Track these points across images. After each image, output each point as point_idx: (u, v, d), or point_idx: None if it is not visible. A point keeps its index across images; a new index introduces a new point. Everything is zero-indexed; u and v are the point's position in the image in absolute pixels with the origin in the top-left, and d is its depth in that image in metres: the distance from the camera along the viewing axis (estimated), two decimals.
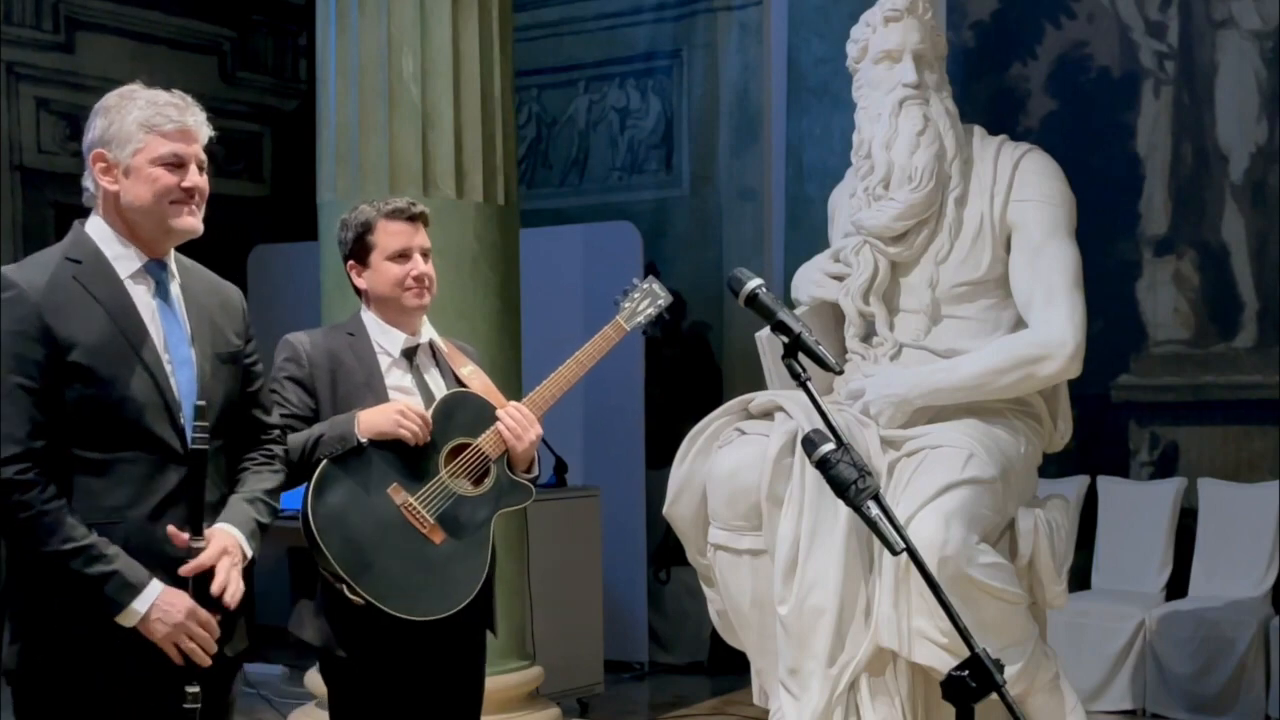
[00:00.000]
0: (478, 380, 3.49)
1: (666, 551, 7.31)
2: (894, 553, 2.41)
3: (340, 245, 3.47)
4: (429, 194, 5.28)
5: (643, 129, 8.58)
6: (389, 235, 3.39)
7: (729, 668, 6.51)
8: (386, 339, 3.43)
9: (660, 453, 6.44)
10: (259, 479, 2.94)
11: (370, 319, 3.46)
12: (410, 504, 3.26)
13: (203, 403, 2.70)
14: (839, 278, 4.61)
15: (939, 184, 4.48)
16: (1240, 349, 6.91)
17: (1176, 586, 6.62)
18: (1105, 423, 7.04)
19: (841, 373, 2.92)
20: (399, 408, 3.28)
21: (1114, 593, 6.60)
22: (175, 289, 2.80)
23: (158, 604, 2.64)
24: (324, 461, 3.23)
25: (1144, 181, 7.08)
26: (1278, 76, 6.77)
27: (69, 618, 2.65)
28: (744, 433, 4.37)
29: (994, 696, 2.36)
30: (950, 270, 4.50)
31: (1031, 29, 7.34)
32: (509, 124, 5.53)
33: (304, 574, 3.46)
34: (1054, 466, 6.05)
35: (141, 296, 2.74)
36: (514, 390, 4.57)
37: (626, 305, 3.66)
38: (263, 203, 9.20)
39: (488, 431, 3.37)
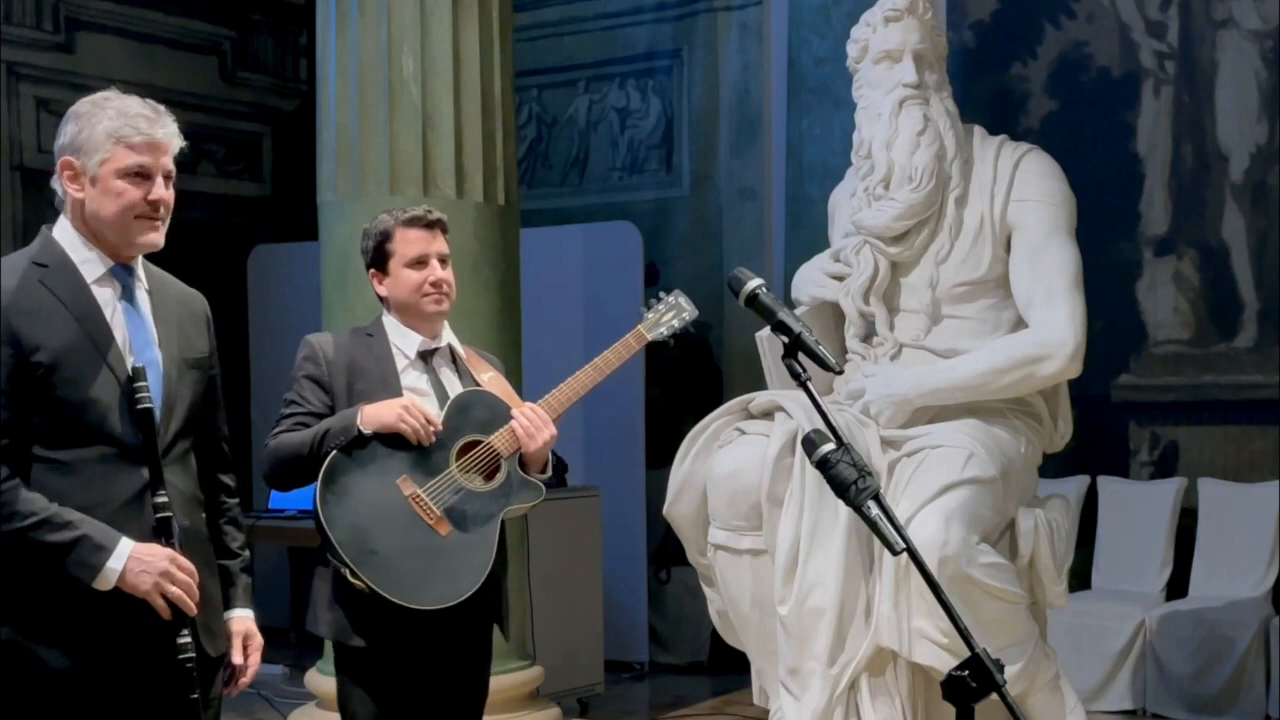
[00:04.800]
0: (497, 386, 3.52)
1: (666, 551, 7.31)
2: (894, 553, 2.41)
3: (362, 254, 3.51)
4: (429, 194, 5.27)
5: (643, 129, 8.57)
6: (407, 243, 3.43)
7: (729, 668, 6.51)
8: (404, 341, 3.47)
9: (660, 453, 6.44)
10: (234, 541, 2.98)
11: (390, 322, 3.49)
12: (418, 495, 3.30)
13: (140, 365, 2.69)
14: (839, 278, 4.61)
15: (939, 184, 4.48)
16: (1240, 349, 6.91)
17: (1176, 586, 6.61)
18: (1105, 423, 7.03)
19: (841, 373, 2.92)
20: (404, 403, 3.32)
21: (1114, 593, 6.59)
22: (142, 294, 2.80)
23: (135, 556, 2.61)
24: (334, 452, 3.28)
25: (1144, 181, 7.08)
26: (1278, 76, 6.76)
27: (46, 596, 2.62)
28: (744, 433, 4.37)
29: (994, 696, 2.36)
30: (950, 270, 4.50)
31: (1031, 29, 7.34)
32: (509, 124, 5.53)
33: (309, 571, 3.48)
34: (1054, 466, 6.04)
35: (107, 300, 2.74)
36: (516, 389, 4.57)
37: (650, 315, 3.63)
38: (263, 203, 9.19)
39: (501, 430, 3.40)
